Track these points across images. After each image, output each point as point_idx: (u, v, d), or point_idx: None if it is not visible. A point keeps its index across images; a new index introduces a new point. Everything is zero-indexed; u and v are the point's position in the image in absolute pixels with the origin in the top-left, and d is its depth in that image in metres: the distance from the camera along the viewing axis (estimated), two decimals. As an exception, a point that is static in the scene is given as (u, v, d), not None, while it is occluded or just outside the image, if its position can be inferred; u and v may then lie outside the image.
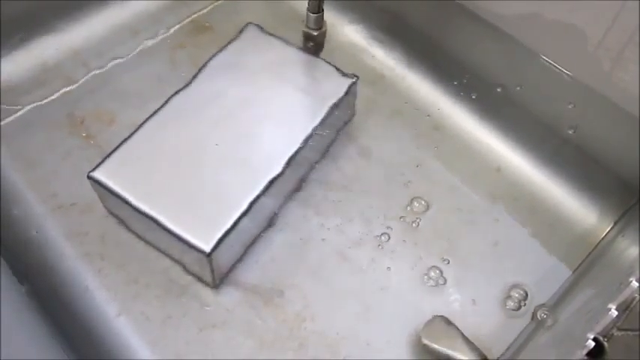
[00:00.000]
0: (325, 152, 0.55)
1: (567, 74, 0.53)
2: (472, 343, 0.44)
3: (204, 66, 0.54)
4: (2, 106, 0.56)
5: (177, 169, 0.47)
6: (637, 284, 0.34)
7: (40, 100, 0.57)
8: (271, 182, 0.47)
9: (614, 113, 0.51)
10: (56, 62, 0.60)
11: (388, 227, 0.51)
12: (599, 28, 0.48)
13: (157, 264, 0.49)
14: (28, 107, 0.57)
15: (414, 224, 0.52)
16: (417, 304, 0.48)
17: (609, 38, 0.48)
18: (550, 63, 0.54)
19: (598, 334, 0.31)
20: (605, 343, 0.32)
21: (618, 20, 0.46)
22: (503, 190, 0.54)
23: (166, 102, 0.51)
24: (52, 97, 0.57)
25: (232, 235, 0.45)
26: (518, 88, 0.57)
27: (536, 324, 0.46)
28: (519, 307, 0.48)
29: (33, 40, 0.60)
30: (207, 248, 0.43)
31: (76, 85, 0.58)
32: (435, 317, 0.46)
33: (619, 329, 0.31)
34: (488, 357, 0.44)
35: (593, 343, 0.33)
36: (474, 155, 0.56)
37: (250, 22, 0.57)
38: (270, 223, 0.51)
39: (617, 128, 0.52)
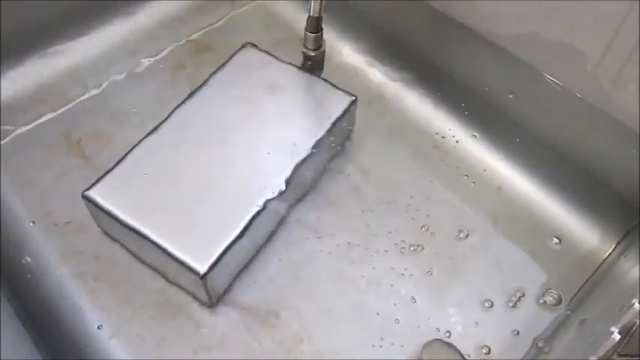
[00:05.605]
0: (323, 171, 0.55)
1: (568, 92, 0.53)
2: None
3: (201, 85, 0.54)
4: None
5: (173, 188, 0.47)
6: (639, 306, 0.33)
7: (37, 120, 0.57)
8: (268, 202, 0.47)
9: (615, 131, 0.51)
10: (54, 82, 0.60)
11: (387, 247, 0.51)
12: (598, 48, 0.48)
13: (151, 284, 0.48)
14: (25, 126, 0.56)
15: (413, 244, 0.51)
16: (417, 325, 0.47)
17: (608, 57, 0.48)
18: (552, 81, 0.54)
19: (599, 358, 0.31)
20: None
21: (616, 40, 0.46)
22: (504, 210, 0.53)
23: (163, 121, 0.51)
24: (49, 117, 0.57)
25: (228, 256, 0.44)
26: (518, 106, 0.57)
27: (537, 349, 0.45)
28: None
29: (30, 60, 0.60)
30: (202, 269, 0.43)
31: (74, 104, 0.58)
32: (435, 340, 0.45)
33: (619, 355, 0.31)
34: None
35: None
36: (474, 175, 0.56)
37: (248, 42, 0.57)
38: (268, 242, 0.51)
39: (619, 147, 0.52)
